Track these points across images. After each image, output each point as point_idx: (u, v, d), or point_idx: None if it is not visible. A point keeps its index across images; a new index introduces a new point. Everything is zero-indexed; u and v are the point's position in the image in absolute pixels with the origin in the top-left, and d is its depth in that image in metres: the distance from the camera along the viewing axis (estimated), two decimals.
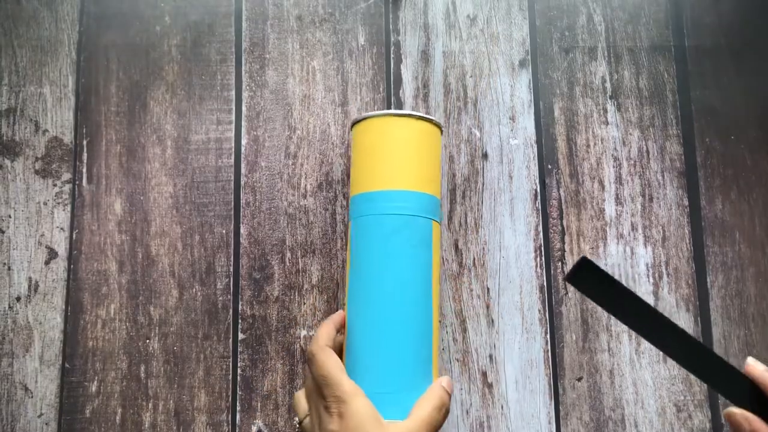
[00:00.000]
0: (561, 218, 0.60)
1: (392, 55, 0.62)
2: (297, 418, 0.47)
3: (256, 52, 0.62)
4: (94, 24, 0.62)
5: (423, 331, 0.48)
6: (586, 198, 0.61)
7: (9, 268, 0.58)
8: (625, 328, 0.58)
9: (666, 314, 0.57)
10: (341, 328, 0.50)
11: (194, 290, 0.58)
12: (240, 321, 0.57)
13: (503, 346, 0.58)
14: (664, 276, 0.60)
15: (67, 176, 0.59)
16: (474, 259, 0.59)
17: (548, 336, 0.58)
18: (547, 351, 0.58)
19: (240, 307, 0.58)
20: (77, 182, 0.59)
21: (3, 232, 0.58)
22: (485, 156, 0.61)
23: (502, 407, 0.57)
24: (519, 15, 0.64)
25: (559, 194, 0.61)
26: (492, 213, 0.60)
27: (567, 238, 0.60)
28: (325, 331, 0.48)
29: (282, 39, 0.62)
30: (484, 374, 0.57)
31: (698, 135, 0.62)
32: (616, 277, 0.59)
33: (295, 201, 0.59)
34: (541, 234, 0.60)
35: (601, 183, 0.61)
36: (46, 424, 0.55)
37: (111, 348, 0.57)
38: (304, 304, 0.58)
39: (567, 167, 0.61)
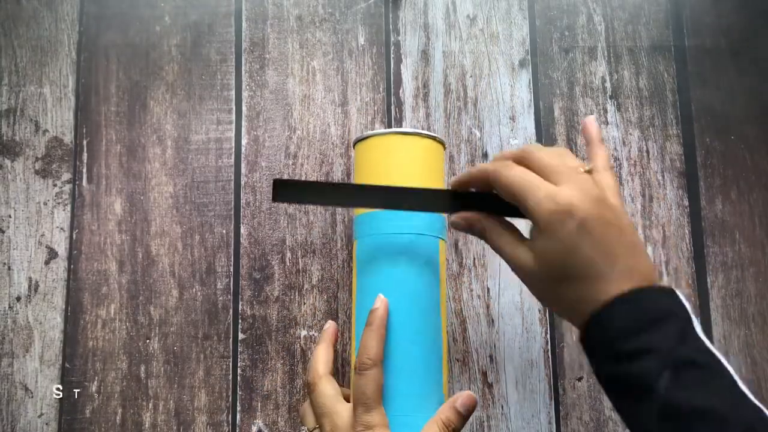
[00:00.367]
0: None
1: (392, 55, 0.62)
2: (306, 428, 0.48)
3: (256, 52, 0.62)
4: (94, 24, 0.62)
5: (433, 356, 0.48)
6: None
7: (9, 268, 0.58)
8: None
9: None
10: (336, 343, 0.51)
11: (194, 290, 0.58)
12: (240, 321, 0.57)
13: (503, 346, 0.58)
14: (665, 276, 0.60)
15: (67, 176, 0.59)
16: (474, 259, 0.59)
17: (548, 336, 0.58)
18: (547, 351, 0.58)
19: (240, 307, 0.58)
20: (77, 182, 0.59)
21: (3, 232, 0.58)
22: (485, 156, 0.61)
23: (502, 407, 0.57)
24: (519, 15, 0.64)
25: None
26: None
27: None
28: (322, 358, 0.48)
29: (282, 39, 0.62)
30: (484, 374, 0.57)
31: (698, 135, 0.62)
32: None
33: None
34: None
35: None
36: (46, 424, 0.55)
37: (111, 348, 0.57)
38: (305, 304, 0.58)
39: None
